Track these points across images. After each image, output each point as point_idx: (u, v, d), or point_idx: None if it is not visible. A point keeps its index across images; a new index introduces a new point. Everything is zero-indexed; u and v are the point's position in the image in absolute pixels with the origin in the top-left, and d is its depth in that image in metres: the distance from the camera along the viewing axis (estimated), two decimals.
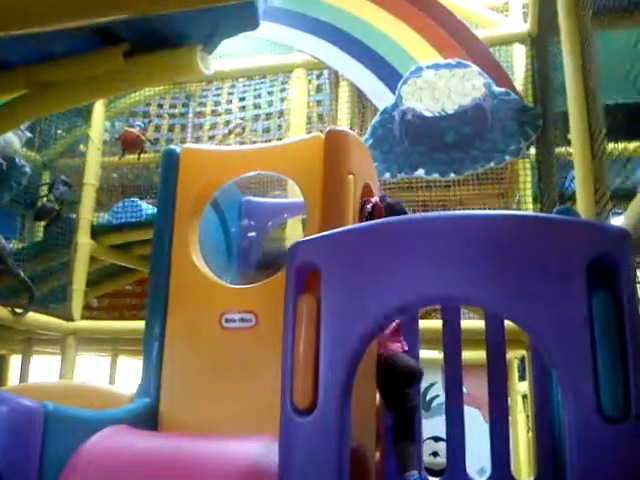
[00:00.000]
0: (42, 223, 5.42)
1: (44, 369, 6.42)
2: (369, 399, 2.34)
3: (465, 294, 1.49)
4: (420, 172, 4.48)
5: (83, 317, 5.12)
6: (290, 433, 1.49)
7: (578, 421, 1.29)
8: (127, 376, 7.09)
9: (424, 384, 2.76)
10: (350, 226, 2.00)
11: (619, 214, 2.35)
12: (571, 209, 2.75)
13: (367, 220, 2.54)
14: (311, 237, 1.66)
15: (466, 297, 1.55)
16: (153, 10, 2.42)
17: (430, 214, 1.73)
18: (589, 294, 1.33)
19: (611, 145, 2.57)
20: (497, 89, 4.45)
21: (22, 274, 4.50)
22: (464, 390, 2.88)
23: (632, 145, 2.28)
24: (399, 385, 2.55)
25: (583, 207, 2.77)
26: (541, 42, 4.53)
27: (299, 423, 1.46)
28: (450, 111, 4.39)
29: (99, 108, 5.53)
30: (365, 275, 1.50)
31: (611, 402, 1.27)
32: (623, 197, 2.33)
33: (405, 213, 2.70)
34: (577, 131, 2.95)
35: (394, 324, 2.59)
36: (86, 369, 7.54)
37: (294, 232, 4.47)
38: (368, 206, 2.58)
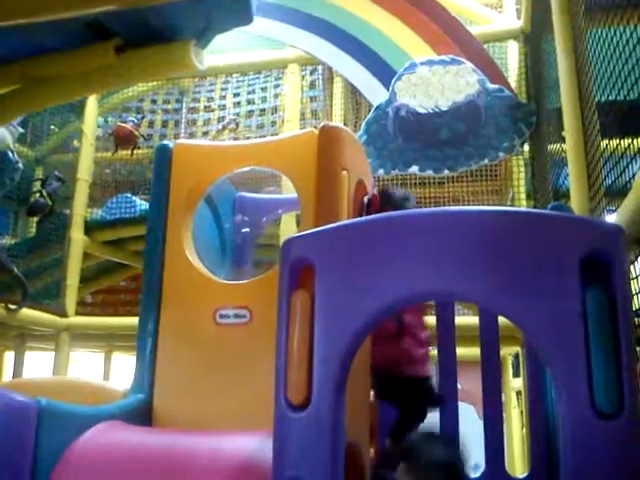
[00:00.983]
0: (35, 219, 5.39)
1: (38, 365, 6.40)
2: (363, 395, 2.34)
3: (459, 290, 1.48)
4: (414, 169, 4.48)
5: (77, 313, 5.11)
6: (284, 428, 1.48)
7: (572, 417, 1.29)
8: (121, 372, 7.08)
9: None
10: (344, 222, 2.00)
11: (613, 211, 2.34)
12: (565, 206, 2.75)
13: (366, 212, 2.55)
14: (305, 233, 1.65)
15: (460, 293, 1.55)
16: (144, 1, 2.40)
17: (424, 210, 1.72)
18: (583, 290, 1.33)
19: (605, 142, 2.57)
20: (491, 86, 4.45)
21: (15, 270, 4.49)
22: (458, 386, 2.89)
23: (626, 142, 2.28)
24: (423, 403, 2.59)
25: (577, 204, 2.77)
26: (534, 39, 4.53)
27: (293, 419, 1.46)
28: (444, 108, 4.39)
29: (92, 103, 5.51)
30: (359, 271, 1.50)
31: (604, 398, 1.27)
32: (617, 194, 2.33)
33: (403, 203, 2.68)
34: (571, 128, 2.94)
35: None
36: (80, 365, 7.52)
37: (288, 228, 4.47)
38: (365, 198, 2.58)
